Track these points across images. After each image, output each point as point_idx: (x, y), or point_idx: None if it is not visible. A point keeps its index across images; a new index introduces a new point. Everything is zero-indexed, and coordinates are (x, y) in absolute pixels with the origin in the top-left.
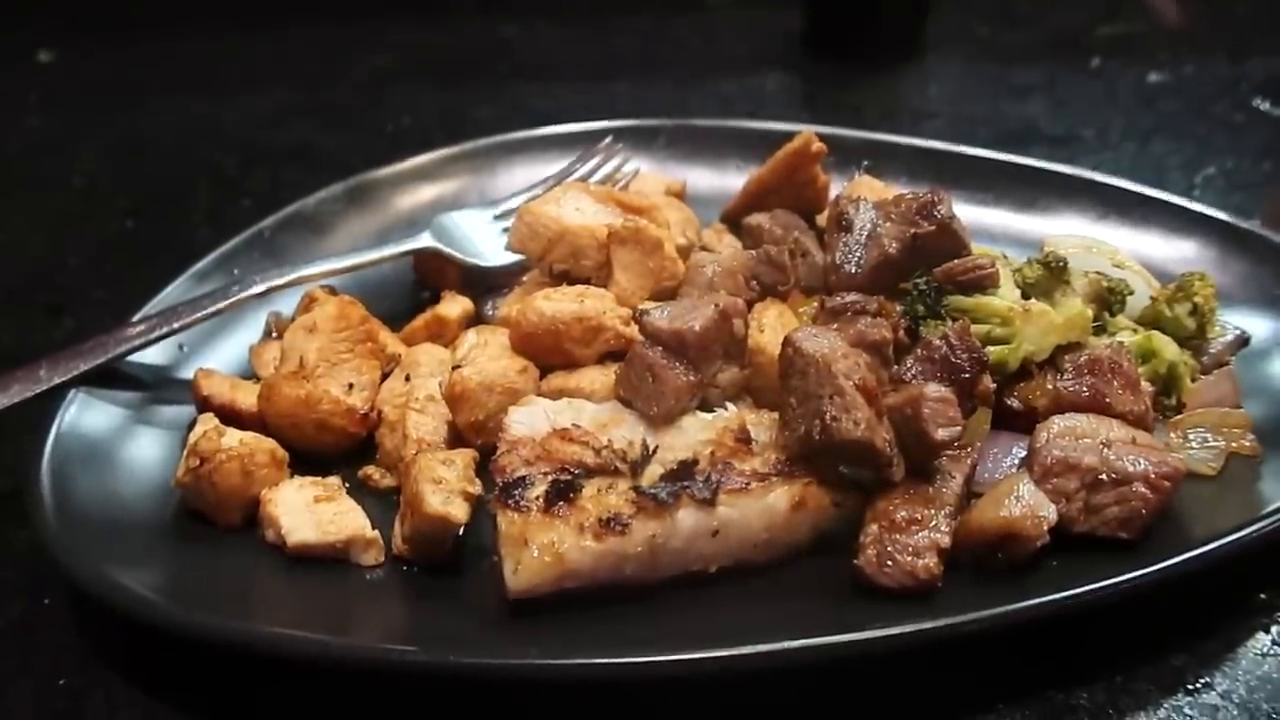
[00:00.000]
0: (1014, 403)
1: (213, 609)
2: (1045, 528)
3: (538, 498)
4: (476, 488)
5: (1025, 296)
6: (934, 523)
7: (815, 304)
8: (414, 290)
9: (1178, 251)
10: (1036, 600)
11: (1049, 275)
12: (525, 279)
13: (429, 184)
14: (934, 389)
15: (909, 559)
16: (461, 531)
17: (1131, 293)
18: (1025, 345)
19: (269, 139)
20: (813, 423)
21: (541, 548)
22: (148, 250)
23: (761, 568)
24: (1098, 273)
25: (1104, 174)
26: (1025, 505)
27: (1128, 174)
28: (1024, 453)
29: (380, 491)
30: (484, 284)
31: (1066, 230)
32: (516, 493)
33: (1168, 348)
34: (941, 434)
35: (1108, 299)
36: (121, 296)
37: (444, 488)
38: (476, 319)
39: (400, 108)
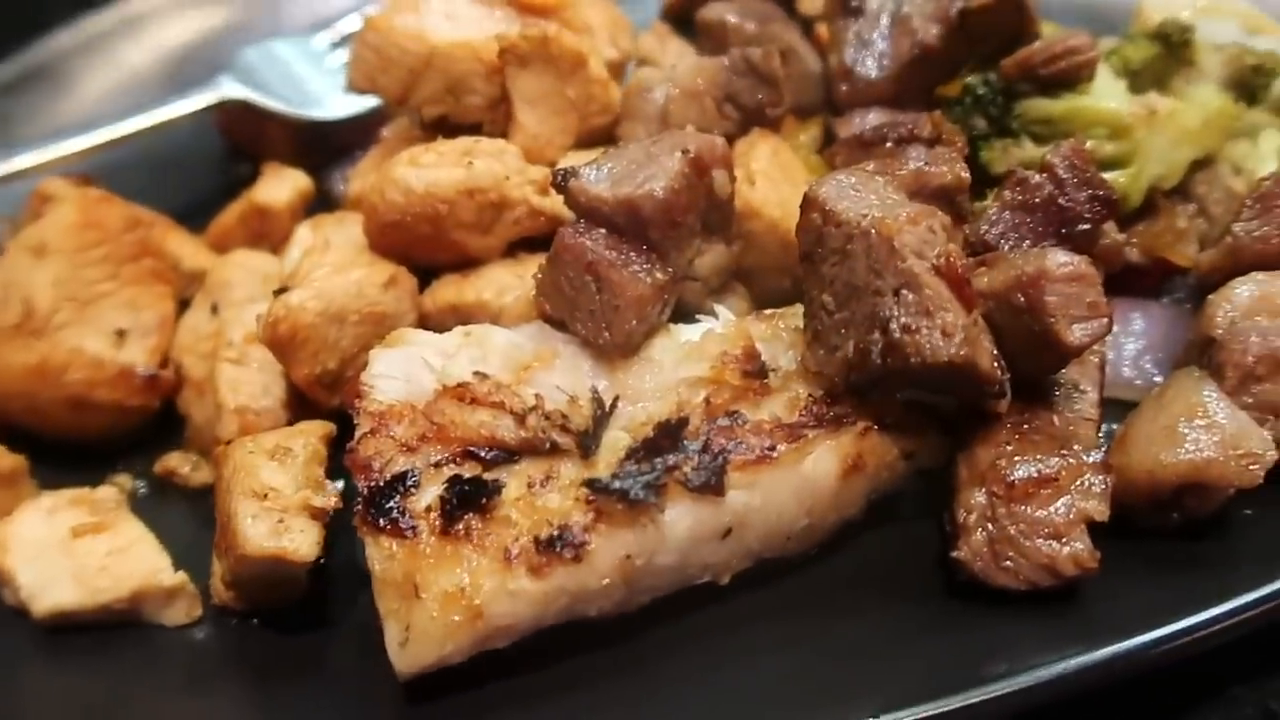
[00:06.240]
0: (1130, 252)
1: None
2: (1260, 472)
3: (429, 510)
4: (329, 497)
5: (1133, 92)
6: (1079, 481)
7: (815, 131)
8: (226, 165)
9: None
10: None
11: (1166, 55)
12: (387, 132)
13: (219, 2)
14: (1062, 260)
15: (1046, 545)
16: (317, 558)
17: None
18: (1151, 168)
19: None
20: (869, 336)
21: (443, 599)
22: None
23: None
24: (1237, 44)
25: None
26: (1224, 437)
27: None
28: (1155, 330)
29: (192, 491)
30: (327, 146)
31: None
32: (392, 505)
33: None
34: (1079, 334)
35: (1252, 83)
36: None
37: (272, 505)
38: (322, 202)
39: None
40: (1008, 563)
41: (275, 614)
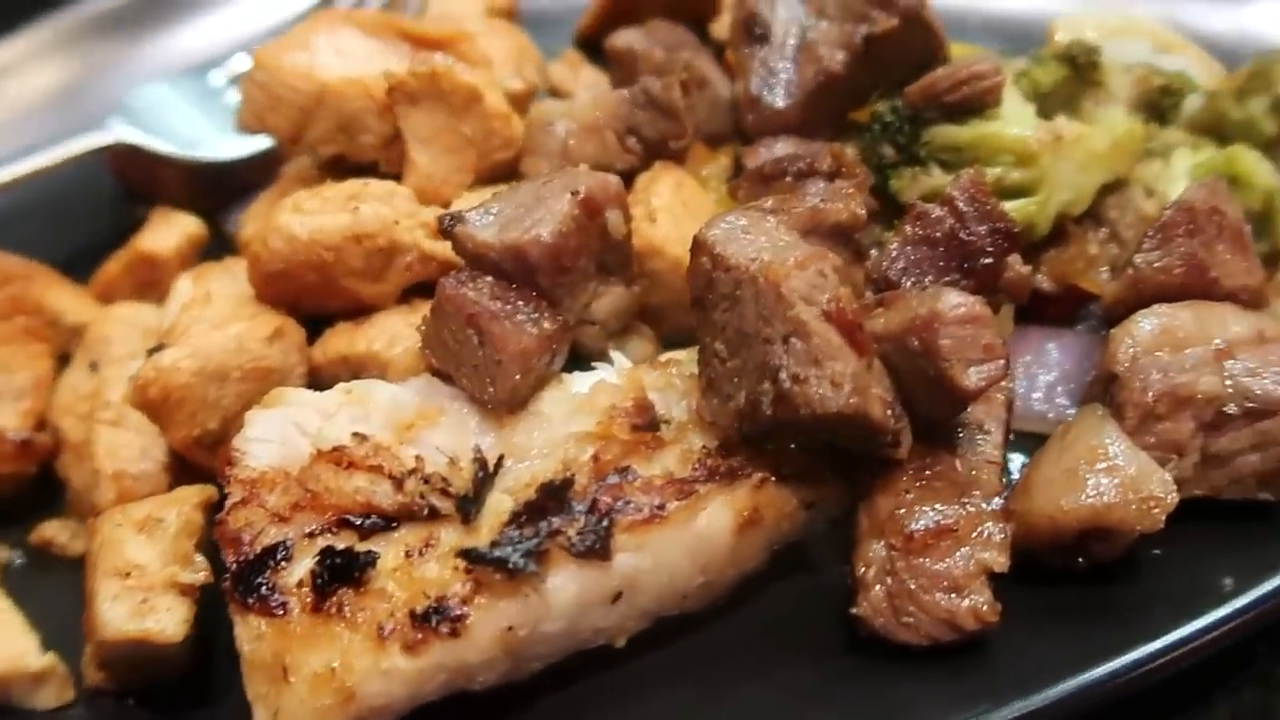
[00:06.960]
0: (1041, 281)
1: None
2: (1161, 515)
3: (301, 585)
4: (199, 572)
5: (1042, 115)
6: (978, 530)
7: (727, 160)
8: (121, 210)
9: (1237, 20)
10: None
11: (1074, 77)
12: (286, 171)
13: (103, 41)
14: (955, 302)
15: (946, 599)
16: (185, 637)
17: (1195, 89)
18: (1058, 194)
19: None
20: (759, 386)
21: (313, 681)
22: None
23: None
24: (1145, 65)
25: None
26: (1125, 481)
27: None
28: (1068, 361)
29: (71, 560)
30: (225, 187)
31: (1063, 7)
32: (261, 580)
33: (1258, 170)
34: (974, 378)
35: (1160, 103)
36: None
37: (135, 584)
38: (221, 245)
39: None
40: (908, 618)
41: (153, 693)
